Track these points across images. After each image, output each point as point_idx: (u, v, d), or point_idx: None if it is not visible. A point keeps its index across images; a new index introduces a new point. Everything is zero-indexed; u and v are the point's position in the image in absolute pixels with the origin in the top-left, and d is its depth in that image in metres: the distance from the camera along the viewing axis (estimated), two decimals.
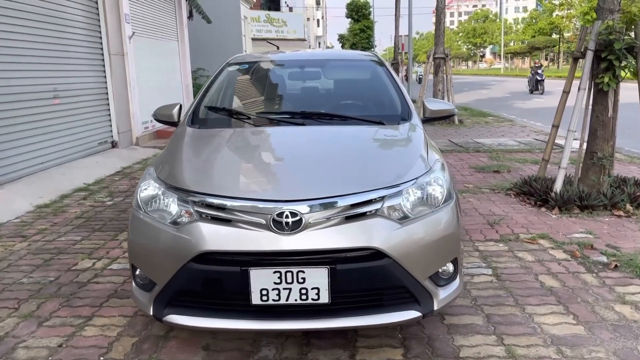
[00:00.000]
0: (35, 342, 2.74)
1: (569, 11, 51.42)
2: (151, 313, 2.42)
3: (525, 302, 3.08)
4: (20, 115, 6.35)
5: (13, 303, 3.21)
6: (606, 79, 4.76)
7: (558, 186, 5.04)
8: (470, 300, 3.11)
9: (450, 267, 2.50)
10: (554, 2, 56.00)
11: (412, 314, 2.33)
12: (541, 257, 3.79)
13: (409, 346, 2.62)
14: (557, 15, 56.53)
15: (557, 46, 60.24)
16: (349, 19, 48.00)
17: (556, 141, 5.53)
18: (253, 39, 23.41)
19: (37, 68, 6.76)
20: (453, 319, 2.88)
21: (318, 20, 68.89)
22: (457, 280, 2.55)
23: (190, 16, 12.79)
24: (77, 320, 2.97)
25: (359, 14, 46.65)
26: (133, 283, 2.59)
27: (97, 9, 8.53)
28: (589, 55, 4.88)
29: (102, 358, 2.58)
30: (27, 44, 6.56)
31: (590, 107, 5.08)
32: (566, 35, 56.30)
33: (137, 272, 2.53)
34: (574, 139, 5.11)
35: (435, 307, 2.39)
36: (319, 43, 67.27)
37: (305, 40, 29.49)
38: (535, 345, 2.60)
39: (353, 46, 44.82)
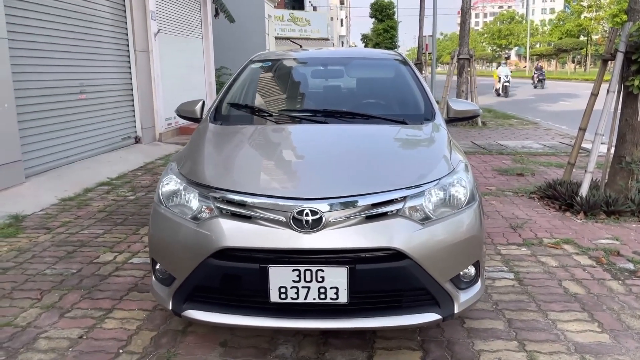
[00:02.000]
0: (56, 332, 2.78)
1: (597, 13, 50.48)
2: (170, 308, 2.43)
3: (548, 308, 3.01)
4: (47, 109, 6.47)
5: (36, 294, 3.26)
6: (636, 82, 4.63)
7: (584, 190, 4.93)
8: (491, 304, 3.06)
9: (471, 270, 2.46)
10: (582, 3, 55.04)
11: (432, 317, 2.30)
12: (565, 262, 3.71)
13: (428, 349, 2.58)
14: (585, 17, 55.53)
15: (585, 48, 59.15)
16: (373, 19, 47.83)
17: (582, 145, 5.42)
18: (276, 38, 23.49)
19: (64, 64, 6.89)
20: (473, 323, 2.83)
21: (342, 20, 68.81)
22: (479, 284, 2.51)
23: (216, 14, 12.88)
24: (98, 312, 3.00)
25: (383, 14, 46.47)
26: (153, 277, 2.60)
27: (124, 6, 8.64)
28: (619, 57, 4.77)
29: (121, 351, 2.60)
30: (55, 40, 6.68)
31: (619, 110, 4.96)
32: (594, 37, 55.26)
33: (157, 267, 2.54)
34: (602, 143, 5.00)
35: (456, 311, 2.35)
36: (342, 43, 67.18)
37: (328, 39, 29.47)
38: (558, 353, 2.54)
39: (376, 46, 44.65)
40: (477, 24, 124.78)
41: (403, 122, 3.17)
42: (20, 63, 5.91)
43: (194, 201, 2.42)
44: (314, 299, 2.22)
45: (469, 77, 12.47)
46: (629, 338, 2.68)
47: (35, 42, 6.28)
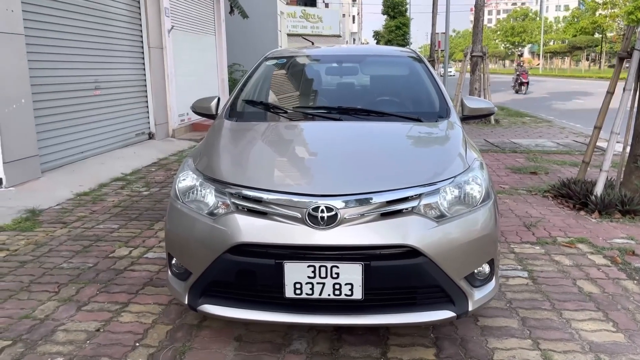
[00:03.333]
0: (74, 325, 2.82)
1: (612, 10, 49.81)
2: (186, 302, 2.46)
3: (562, 307, 3.00)
4: (63, 105, 6.55)
5: (53, 287, 3.31)
6: None
7: (599, 189, 4.89)
8: (505, 302, 3.06)
9: (486, 268, 2.46)
10: (597, 0, 54.34)
11: (446, 314, 2.30)
12: (580, 261, 3.69)
13: (442, 346, 2.59)
14: (600, 14, 54.81)
15: (600, 46, 58.46)
16: (385, 16, 47.61)
17: (597, 143, 5.37)
18: (288, 35, 23.46)
19: (79, 60, 6.95)
20: (487, 321, 2.83)
21: (354, 17, 68.54)
22: (493, 282, 2.51)
23: (231, 11, 12.91)
24: (114, 306, 3.04)
25: (395, 11, 46.20)
26: (169, 272, 2.63)
27: (139, 2, 8.70)
28: (636, 55, 4.72)
29: (137, 344, 2.63)
30: (71, 36, 6.74)
31: (635, 108, 4.91)
32: (609, 35, 54.58)
33: (173, 262, 2.57)
34: (617, 142, 4.95)
35: (470, 308, 2.36)
36: (354, 39, 66.97)
37: (340, 36, 29.39)
38: (572, 352, 2.54)
39: (388, 43, 44.41)
40: (490, 21, 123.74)
41: (418, 120, 3.17)
42: (36, 59, 5.98)
43: (210, 197, 2.45)
44: (329, 294, 2.24)
45: (481, 75, 12.33)
46: None
47: (52, 38, 6.34)
